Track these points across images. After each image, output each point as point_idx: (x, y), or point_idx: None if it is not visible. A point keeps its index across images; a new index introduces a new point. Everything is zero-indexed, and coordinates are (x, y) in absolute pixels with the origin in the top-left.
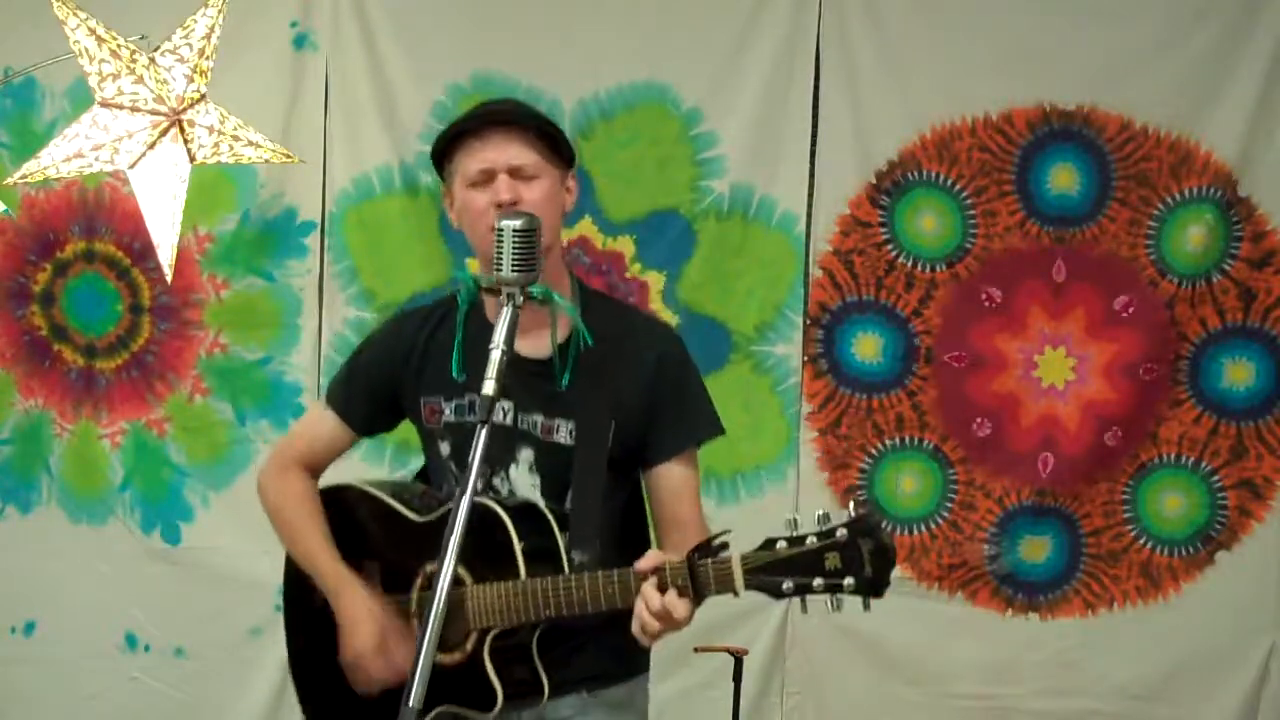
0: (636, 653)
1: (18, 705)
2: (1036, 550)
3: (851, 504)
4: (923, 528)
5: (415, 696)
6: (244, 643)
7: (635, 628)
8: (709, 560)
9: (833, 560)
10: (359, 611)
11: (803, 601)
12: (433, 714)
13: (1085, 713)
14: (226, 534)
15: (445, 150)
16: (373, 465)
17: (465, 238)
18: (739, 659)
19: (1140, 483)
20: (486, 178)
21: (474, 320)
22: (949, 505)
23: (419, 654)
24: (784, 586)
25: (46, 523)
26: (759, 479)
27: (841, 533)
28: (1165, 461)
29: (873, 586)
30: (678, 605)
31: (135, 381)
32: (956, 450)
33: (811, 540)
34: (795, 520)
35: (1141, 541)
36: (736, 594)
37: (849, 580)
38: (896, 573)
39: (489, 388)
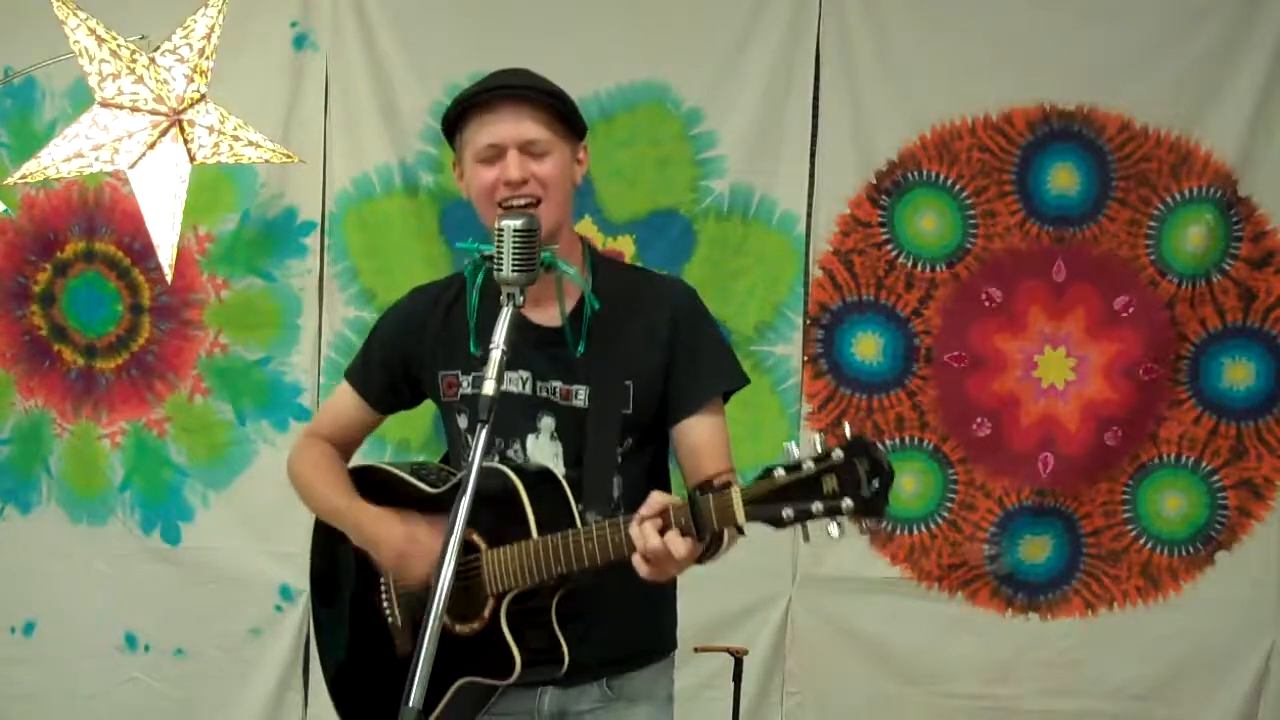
0: (657, 636)
1: (18, 705)
2: (1036, 550)
3: (846, 425)
4: (923, 528)
5: (415, 697)
6: (244, 643)
7: (636, 564)
8: (709, 495)
9: (830, 483)
10: (379, 523)
11: (804, 529)
12: (455, 685)
13: (1085, 713)
14: (226, 534)
15: (456, 120)
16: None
17: (462, 231)
18: (739, 659)
19: (1140, 483)
20: (496, 153)
21: (488, 293)
22: (949, 505)
23: (419, 653)
24: (784, 514)
25: (46, 523)
26: None
27: (837, 454)
28: (1165, 461)
29: (871, 506)
30: (678, 544)
31: (135, 381)
32: (956, 450)
33: (808, 465)
34: (791, 448)
35: (1141, 541)
36: (740, 530)
37: (847, 501)
38: (896, 573)
39: (488, 387)
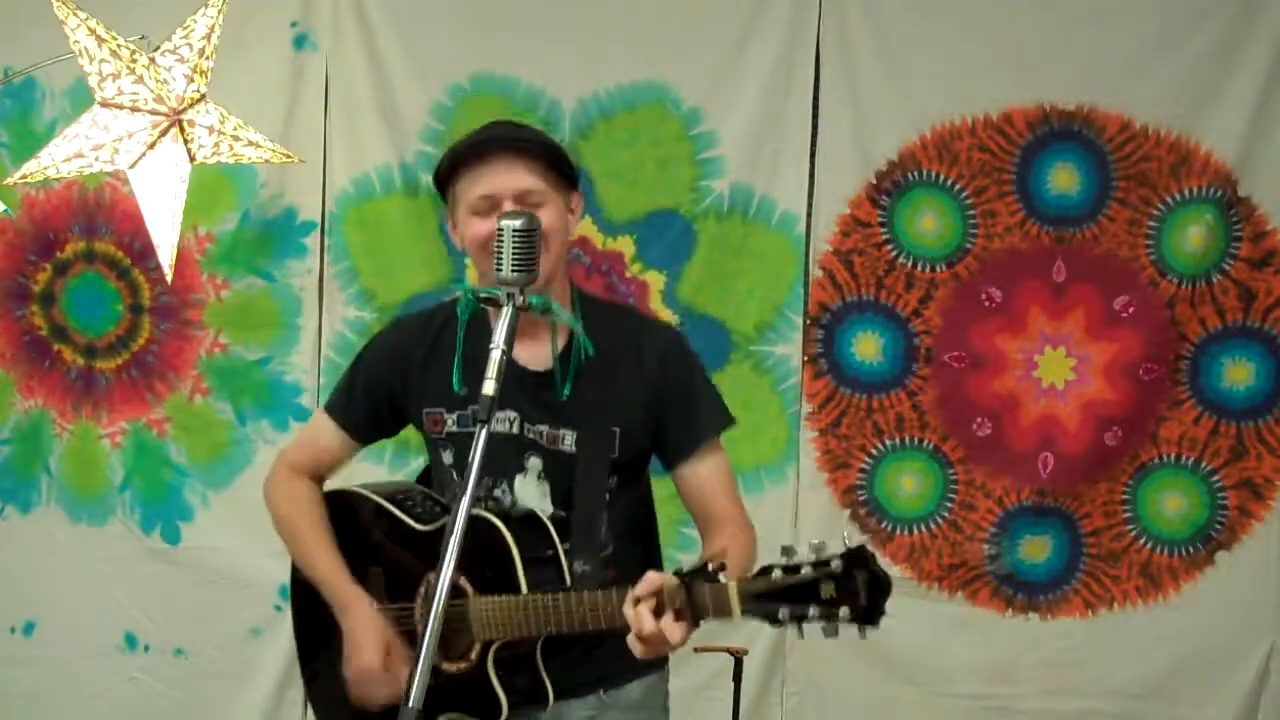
0: None
1: (18, 705)
2: (1036, 550)
3: (845, 534)
4: (923, 528)
5: (415, 697)
6: (244, 643)
7: (630, 643)
8: (705, 585)
9: (828, 590)
10: (365, 627)
11: (799, 628)
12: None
13: (1085, 713)
14: (226, 534)
15: (448, 173)
16: (373, 465)
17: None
18: (739, 659)
19: (1140, 483)
20: (491, 205)
21: (475, 332)
22: (949, 505)
23: (418, 657)
24: (780, 614)
25: (46, 523)
26: (759, 479)
27: (836, 563)
28: (1165, 461)
29: (868, 616)
30: (673, 629)
31: (135, 381)
32: (956, 450)
33: (807, 570)
34: (791, 549)
35: (1141, 541)
36: (734, 619)
37: (844, 610)
38: (897, 572)
39: (489, 387)
